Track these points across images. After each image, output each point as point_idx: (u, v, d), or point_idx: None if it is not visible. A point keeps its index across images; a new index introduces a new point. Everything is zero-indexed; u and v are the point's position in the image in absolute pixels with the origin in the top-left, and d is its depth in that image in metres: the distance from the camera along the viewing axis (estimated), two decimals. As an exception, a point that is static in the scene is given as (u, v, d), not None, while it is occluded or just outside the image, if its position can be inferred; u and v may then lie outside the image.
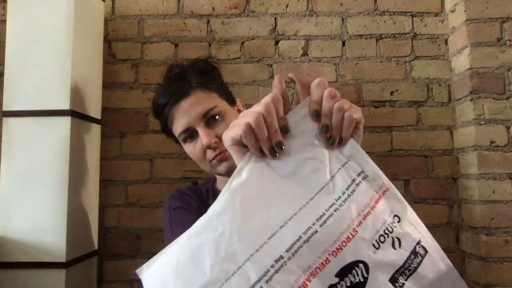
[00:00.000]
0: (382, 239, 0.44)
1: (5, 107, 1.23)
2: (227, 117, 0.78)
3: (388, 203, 0.47)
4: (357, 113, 0.49)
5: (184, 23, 1.55)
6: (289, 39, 1.55)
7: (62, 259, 1.16)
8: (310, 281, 0.40)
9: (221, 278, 0.39)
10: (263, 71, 1.53)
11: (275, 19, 1.56)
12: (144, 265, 0.43)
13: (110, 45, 1.54)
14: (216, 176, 0.87)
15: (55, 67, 1.24)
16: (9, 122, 1.23)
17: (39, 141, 1.21)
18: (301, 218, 0.43)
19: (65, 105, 1.22)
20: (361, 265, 0.42)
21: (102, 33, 1.49)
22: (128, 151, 1.50)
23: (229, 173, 0.75)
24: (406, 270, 0.44)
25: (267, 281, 0.39)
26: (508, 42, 1.38)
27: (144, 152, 1.50)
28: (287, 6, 1.56)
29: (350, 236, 0.43)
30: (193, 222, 0.77)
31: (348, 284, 0.41)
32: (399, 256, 0.44)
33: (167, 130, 0.81)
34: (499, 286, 1.28)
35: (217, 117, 0.76)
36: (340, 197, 0.45)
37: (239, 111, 0.84)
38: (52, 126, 1.22)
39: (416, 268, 0.45)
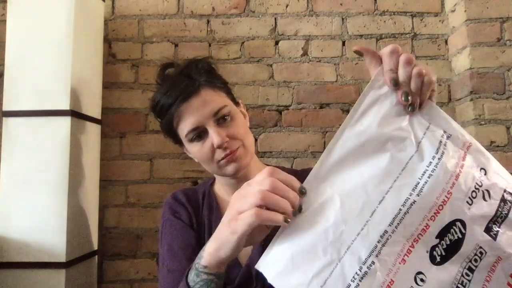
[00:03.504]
0: (474, 194, 0.46)
1: (5, 107, 1.23)
2: (236, 117, 0.76)
3: (473, 158, 0.48)
4: (434, 75, 0.49)
5: (184, 23, 1.56)
6: (289, 39, 1.55)
7: (62, 259, 1.16)
8: (413, 247, 0.43)
9: (335, 259, 0.43)
10: (263, 71, 1.53)
11: (275, 19, 1.56)
12: (260, 261, 0.46)
13: (110, 45, 1.54)
14: (216, 177, 0.86)
15: (55, 67, 1.24)
16: (9, 122, 1.23)
17: (39, 141, 1.21)
18: (397, 190, 0.44)
19: (65, 105, 1.22)
20: (458, 223, 0.44)
21: (102, 33, 1.49)
22: (128, 151, 1.50)
23: (236, 174, 0.74)
24: (498, 218, 0.46)
25: (376, 256, 0.42)
26: (508, 42, 1.38)
27: (144, 152, 1.50)
28: (287, 6, 1.56)
29: (446, 199, 0.44)
30: (179, 237, 0.77)
31: (448, 242, 0.44)
32: (490, 207, 0.46)
33: (170, 130, 0.77)
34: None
35: (226, 116, 0.74)
36: (431, 162, 0.45)
37: (242, 112, 0.82)
38: (52, 126, 1.22)
39: (507, 214, 0.47)
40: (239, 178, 0.76)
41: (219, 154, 0.73)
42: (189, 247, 0.76)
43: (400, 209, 0.43)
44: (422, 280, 0.43)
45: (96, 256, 1.39)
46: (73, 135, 1.24)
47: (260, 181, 0.47)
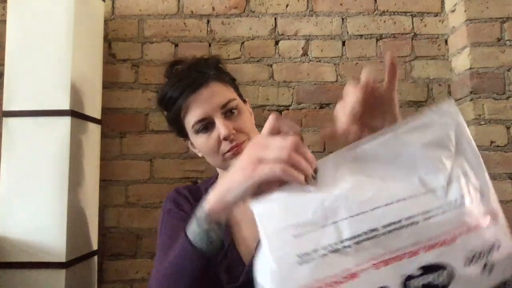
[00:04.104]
0: (476, 257, 0.45)
1: (5, 107, 1.23)
2: (243, 113, 0.77)
3: (495, 228, 0.47)
4: None
5: (184, 23, 1.55)
6: (289, 39, 1.55)
7: (62, 259, 1.16)
8: (393, 262, 0.43)
9: (319, 223, 0.44)
10: (263, 71, 1.53)
11: (275, 19, 1.56)
12: (255, 200, 0.48)
13: (110, 45, 1.54)
14: (220, 173, 0.86)
15: (55, 67, 1.24)
16: (9, 122, 1.22)
17: (39, 141, 1.21)
18: (408, 205, 0.44)
19: (65, 105, 1.22)
20: (447, 270, 0.43)
21: (102, 33, 1.49)
22: (128, 151, 1.50)
23: None
24: None
25: (356, 243, 0.43)
26: (508, 42, 1.38)
27: (144, 152, 1.50)
28: (287, 6, 1.56)
29: (448, 241, 0.44)
30: (180, 226, 0.77)
31: (426, 282, 0.43)
32: (486, 283, 0.45)
33: (176, 121, 0.77)
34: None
35: (234, 110, 0.75)
36: (451, 203, 0.45)
37: (248, 110, 0.84)
38: (52, 126, 1.22)
39: None
40: None
41: (225, 146, 0.73)
42: None
43: (401, 220, 0.43)
44: None
45: (96, 256, 1.39)
46: (73, 135, 1.24)
47: (283, 137, 0.48)
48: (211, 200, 0.54)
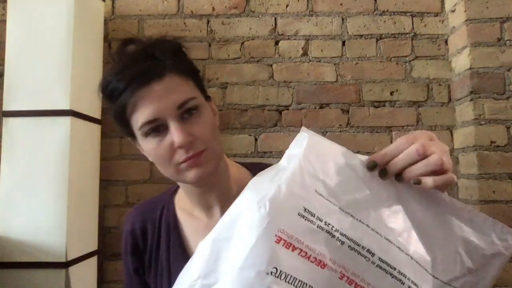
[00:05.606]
0: None
1: (5, 107, 1.23)
2: (204, 114, 0.62)
3: None
4: None
5: (184, 23, 1.55)
6: (289, 39, 1.55)
7: (62, 259, 1.16)
8: (352, 285, 0.41)
9: (340, 203, 0.43)
10: (263, 71, 1.53)
11: (275, 19, 1.56)
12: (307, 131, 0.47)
13: (110, 45, 1.54)
14: (181, 185, 0.70)
15: (55, 67, 1.24)
16: (9, 122, 1.23)
17: (39, 141, 1.21)
18: (413, 267, 0.43)
19: (65, 105, 1.22)
20: None
21: (102, 33, 1.49)
22: (128, 151, 1.50)
23: (198, 182, 0.61)
24: None
25: (349, 246, 0.42)
26: (508, 42, 1.38)
27: (144, 152, 1.50)
28: (287, 6, 1.56)
29: None
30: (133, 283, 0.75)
31: None
32: None
33: (122, 118, 0.62)
34: (499, 286, 1.28)
35: (193, 111, 0.60)
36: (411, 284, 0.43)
37: (212, 109, 0.68)
38: (52, 126, 1.22)
39: None
40: (205, 187, 0.66)
41: (180, 155, 0.59)
42: None
43: (395, 268, 0.42)
44: (275, 272, 0.40)
45: (96, 256, 1.39)
46: (73, 135, 1.24)
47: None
48: None
